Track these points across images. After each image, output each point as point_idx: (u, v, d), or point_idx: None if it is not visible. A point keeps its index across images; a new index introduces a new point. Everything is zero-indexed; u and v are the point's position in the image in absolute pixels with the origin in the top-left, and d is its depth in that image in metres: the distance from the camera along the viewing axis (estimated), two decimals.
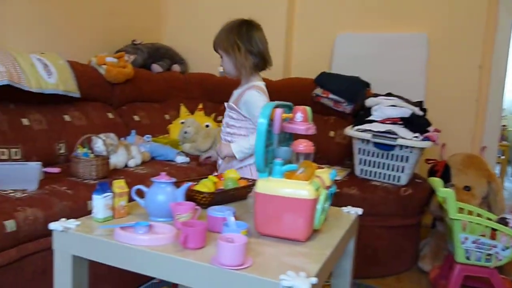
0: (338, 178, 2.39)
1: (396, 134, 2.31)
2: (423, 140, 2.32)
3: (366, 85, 2.95)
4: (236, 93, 1.89)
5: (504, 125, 5.38)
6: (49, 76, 2.28)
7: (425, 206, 2.50)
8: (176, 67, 3.52)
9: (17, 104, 2.21)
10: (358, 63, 3.21)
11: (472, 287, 2.18)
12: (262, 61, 1.86)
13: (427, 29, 3.11)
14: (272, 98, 3.09)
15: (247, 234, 1.11)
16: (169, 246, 1.10)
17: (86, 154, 2.02)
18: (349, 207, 1.54)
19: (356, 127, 2.44)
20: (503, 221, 1.96)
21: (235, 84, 3.29)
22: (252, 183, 1.61)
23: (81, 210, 1.72)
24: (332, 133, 2.90)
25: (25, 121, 2.19)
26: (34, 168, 1.79)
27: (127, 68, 2.87)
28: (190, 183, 1.41)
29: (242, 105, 1.82)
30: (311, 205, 1.14)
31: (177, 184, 1.42)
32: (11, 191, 1.72)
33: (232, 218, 1.16)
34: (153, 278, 2.09)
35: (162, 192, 1.30)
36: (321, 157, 2.43)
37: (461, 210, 2.04)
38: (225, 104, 1.91)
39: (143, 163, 2.43)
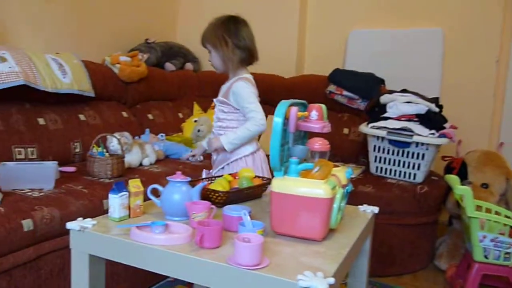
0: (353, 176, 2.37)
1: (411, 131, 2.28)
2: (439, 137, 2.28)
3: (381, 81, 2.92)
4: (224, 87, 1.91)
5: None
6: (64, 76, 2.30)
7: (441, 204, 2.47)
8: (189, 66, 3.52)
9: (33, 104, 2.23)
10: (372, 59, 3.18)
11: (491, 286, 2.14)
12: (249, 56, 1.89)
13: (442, 24, 3.06)
14: (284, 95, 3.08)
15: (263, 234, 1.10)
16: (185, 246, 1.10)
17: (101, 153, 2.03)
18: (365, 205, 1.52)
19: (371, 124, 2.42)
20: None
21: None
22: (267, 182, 1.60)
23: (97, 209, 1.74)
24: (346, 130, 2.87)
25: (41, 121, 2.21)
26: (50, 168, 1.81)
27: (140, 67, 2.88)
28: (205, 182, 1.41)
29: (231, 97, 1.84)
30: (327, 204, 1.13)
31: (192, 183, 1.42)
32: (28, 190, 1.74)
33: (248, 218, 1.15)
34: (167, 277, 2.10)
35: (178, 191, 1.30)
36: (335, 154, 2.41)
37: (478, 208, 2.00)
38: (214, 100, 1.93)
39: (157, 161, 2.44)
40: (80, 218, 1.24)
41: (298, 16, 3.42)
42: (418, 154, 2.32)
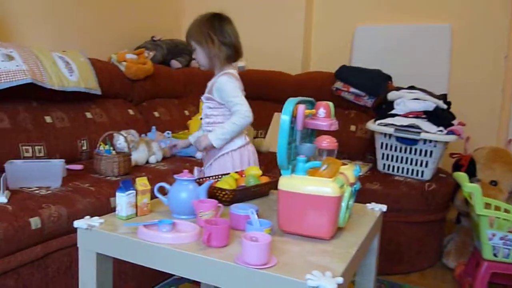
0: (360, 173, 2.36)
1: (419, 128, 2.26)
2: (447, 134, 2.26)
3: (388, 78, 2.90)
4: (209, 83, 1.91)
5: None
6: (70, 74, 2.31)
7: (449, 202, 2.45)
8: (195, 63, 3.50)
9: (40, 102, 2.24)
10: (379, 55, 3.16)
11: (500, 284, 2.12)
12: (234, 52, 1.89)
13: (450, 19, 3.03)
14: (291, 93, 3.08)
15: (270, 232, 1.09)
16: (192, 244, 1.09)
17: (108, 151, 2.03)
18: (373, 203, 1.51)
19: (378, 121, 2.40)
20: None
21: (253, 78, 3.28)
22: (274, 180, 1.60)
23: (104, 207, 1.74)
24: (353, 128, 2.86)
25: (48, 119, 2.22)
26: (57, 166, 1.81)
27: (146, 65, 2.88)
28: (212, 180, 1.41)
29: (215, 93, 1.83)
30: (335, 202, 1.12)
31: (199, 181, 1.42)
32: (36, 188, 1.75)
33: (255, 216, 1.15)
34: (174, 274, 2.10)
35: (185, 189, 1.30)
36: (342, 152, 2.39)
37: (487, 205, 1.98)
38: (202, 97, 1.93)
39: (164, 159, 2.44)
40: (88, 217, 1.24)
41: (304, 12, 3.40)
42: (426, 151, 2.30)
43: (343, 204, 1.16)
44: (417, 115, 2.33)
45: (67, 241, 1.61)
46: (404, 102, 2.38)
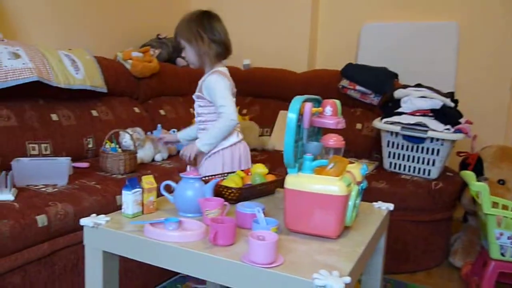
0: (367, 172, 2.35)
1: (426, 127, 2.24)
2: (454, 132, 2.24)
3: (394, 76, 2.88)
4: (200, 82, 1.90)
5: None
6: (76, 72, 2.31)
7: (456, 200, 2.43)
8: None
9: (46, 100, 2.24)
10: (385, 53, 3.14)
11: (507, 284, 2.10)
12: (224, 50, 1.88)
13: (457, 17, 3.00)
14: (296, 90, 3.07)
15: (277, 231, 1.09)
16: (198, 243, 1.09)
17: (114, 149, 2.04)
18: (380, 202, 1.50)
19: (385, 120, 2.39)
20: None
21: (258, 76, 3.27)
22: (280, 178, 1.59)
23: (110, 205, 1.74)
24: (359, 126, 2.84)
25: (54, 117, 2.22)
26: (64, 163, 1.82)
27: (152, 63, 2.88)
28: (218, 179, 1.41)
29: (204, 91, 1.83)
30: (342, 201, 1.11)
31: (205, 180, 1.41)
32: (42, 186, 1.75)
33: (262, 215, 1.14)
34: (179, 273, 2.10)
35: (191, 187, 1.29)
36: (348, 150, 2.37)
37: (495, 204, 1.96)
38: (193, 96, 1.92)
39: (170, 157, 2.44)
40: (94, 214, 1.25)
41: (310, 10, 3.38)
42: (433, 149, 2.28)
43: (350, 203, 1.15)
44: (424, 113, 2.31)
45: (74, 238, 1.61)
46: (411, 100, 2.36)
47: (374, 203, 1.50)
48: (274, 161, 2.49)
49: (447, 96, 2.40)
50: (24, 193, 1.64)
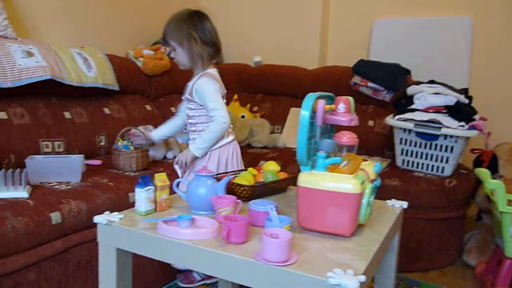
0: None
1: (440, 123, 2.21)
2: (469, 129, 2.21)
3: (407, 72, 2.85)
4: (190, 84, 1.89)
5: None
6: (89, 70, 2.32)
7: (470, 198, 2.40)
8: None
9: (59, 98, 2.26)
10: (397, 49, 3.10)
11: None
12: (215, 51, 1.87)
13: (471, 12, 2.96)
14: (308, 87, 3.06)
15: (290, 229, 1.08)
16: (211, 241, 1.09)
17: (126, 146, 2.04)
18: (393, 200, 1.49)
19: (397, 116, 2.36)
20: None
21: (269, 73, 3.26)
22: (292, 176, 1.58)
23: (123, 202, 1.75)
24: (371, 123, 2.82)
25: (67, 115, 2.24)
26: (77, 161, 1.83)
27: (163, 60, 2.88)
28: (230, 176, 1.40)
29: (195, 94, 1.83)
30: (356, 199, 1.10)
31: (218, 177, 1.41)
32: (56, 183, 1.77)
33: (275, 213, 1.14)
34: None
35: (203, 185, 1.29)
36: (360, 147, 2.34)
37: (510, 202, 1.93)
38: (182, 98, 1.93)
39: None
40: (107, 212, 1.25)
41: (321, 6, 3.35)
42: (446, 146, 2.25)
43: (364, 201, 1.14)
44: (437, 110, 2.28)
45: (87, 235, 1.62)
46: (424, 96, 2.33)
47: (388, 201, 1.48)
48: (285, 158, 2.49)
49: (461, 92, 2.36)
50: (38, 190, 1.66)
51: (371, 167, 1.27)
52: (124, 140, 2.08)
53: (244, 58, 3.55)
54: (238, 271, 1.00)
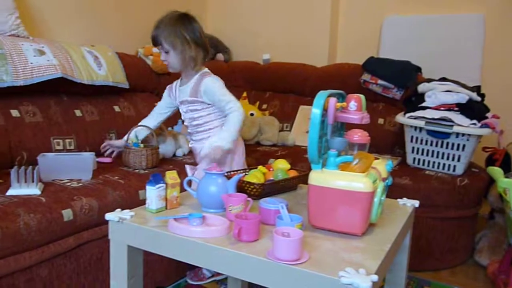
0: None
1: (451, 121, 2.19)
2: (481, 127, 2.18)
3: (417, 70, 2.83)
4: (187, 87, 1.90)
5: None
6: (99, 68, 2.33)
7: (482, 197, 2.37)
8: (220, 56, 3.51)
9: (70, 96, 2.27)
10: (408, 46, 3.08)
11: None
12: (206, 52, 1.90)
13: (483, 9, 2.92)
14: (317, 85, 3.04)
15: (301, 228, 1.08)
16: (222, 239, 1.09)
17: (136, 144, 2.05)
18: (404, 199, 1.48)
19: (408, 114, 2.34)
20: None
21: (279, 71, 3.24)
22: (302, 174, 1.58)
23: (133, 199, 1.76)
24: (381, 121, 2.80)
25: (78, 112, 2.25)
26: (88, 158, 1.84)
27: None
28: (241, 174, 1.40)
29: (203, 95, 1.85)
30: (368, 198, 1.10)
31: (228, 175, 1.41)
32: (67, 180, 1.78)
33: (286, 211, 1.13)
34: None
35: (214, 183, 1.29)
36: (370, 145, 2.34)
37: None
38: (179, 103, 1.95)
39: (190, 152, 2.44)
40: (119, 209, 1.26)
41: (330, 3, 3.34)
42: (458, 145, 2.23)
43: (376, 200, 1.13)
44: (449, 107, 2.26)
45: (98, 232, 1.63)
46: (436, 94, 2.31)
47: (399, 199, 1.47)
48: (295, 156, 2.48)
49: (473, 90, 2.34)
50: (50, 187, 1.67)
51: (382, 165, 1.26)
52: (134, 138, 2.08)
53: (253, 56, 3.54)
54: (249, 269, 1.00)
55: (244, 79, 3.36)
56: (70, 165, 1.80)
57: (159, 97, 2.84)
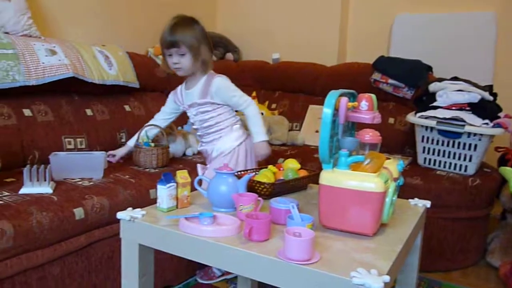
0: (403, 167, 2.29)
1: (463, 121, 2.17)
2: (493, 127, 2.16)
3: (428, 69, 2.80)
4: (195, 90, 1.91)
5: None
6: (110, 67, 2.35)
7: (494, 197, 2.35)
8: (229, 56, 3.52)
9: (81, 95, 2.29)
10: (418, 45, 3.05)
11: None
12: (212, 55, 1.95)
13: (495, 7, 2.89)
14: (327, 84, 3.04)
15: (312, 228, 1.08)
16: (233, 238, 1.09)
17: (147, 143, 2.06)
18: (416, 199, 1.47)
19: (419, 114, 2.32)
20: None
21: (289, 71, 3.23)
22: (313, 174, 1.58)
23: (144, 198, 1.77)
24: (391, 120, 2.78)
25: (88, 112, 2.27)
26: (99, 157, 1.85)
27: None
28: (251, 174, 1.40)
29: (214, 95, 1.87)
30: (380, 198, 1.09)
31: (238, 175, 1.41)
32: (79, 179, 1.79)
33: (297, 211, 1.13)
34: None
35: (224, 182, 1.29)
36: (380, 145, 2.34)
37: None
38: (187, 106, 1.96)
39: (200, 152, 2.45)
40: (130, 208, 1.26)
41: (340, 2, 3.32)
42: (470, 145, 2.20)
43: (387, 200, 1.13)
44: (460, 107, 2.24)
45: (109, 231, 1.65)
46: (447, 93, 2.28)
47: (410, 200, 1.46)
48: (304, 156, 2.47)
49: (486, 89, 2.31)
50: (62, 186, 1.68)
51: (394, 165, 1.25)
52: (145, 137, 2.09)
53: (262, 55, 3.54)
54: (260, 269, 1.00)
55: (253, 79, 3.36)
56: (82, 164, 1.81)
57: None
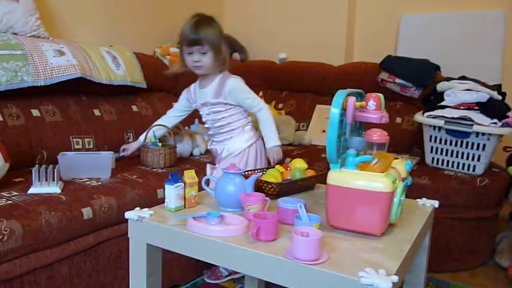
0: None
1: (471, 121, 2.15)
2: (502, 126, 2.14)
3: (436, 68, 2.79)
4: (209, 90, 1.91)
5: None
6: (117, 68, 2.36)
7: (503, 197, 2.33)
8: (236, 56, 3.52)
9: (88, 96, 2.31)
10: (426, 45, 3.03)
11: None
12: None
13: (504, 5, 2.86)
14: (334, 84, 3.03)
15: (320, 228, 1.07)
16: (241, 238, 1.09)
17: (154, 143, 2.07)
18: (424, 199, 1.46)
19: (427, 113, 2.31)
20: None
21: (296, 70, 3.23)
22: (320, 173, 1.57)
23: (151, 198, 1.77)
24: (399, 120, 2.77)
25: (96, 112, 2.28)
26: (107, 157, 1.86)
27: None
28: (259, 174, 1.40)
29: (228, 96, 1.87)
30: (388, 198, 1.08)
31: (246, 175, 1.41)
32: (87, 179, 1.80)
33: (304, 211, 1.13)
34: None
35: (232, 182, 1.30)
36: (388, 144, 2.32)
37: None
38: (200, 105, 1.97)
39: (207, 151, 2.46)
40: (138, 208, 1.27)
41: (347, 1, 3.31)
42: (478, 144, 2.19)
43: (395, 200, 1.12)
44: (469, 106, 2.22)
45: (117, 231, 1.65)
46: (455, 93, 2.27)
47: (418, 199, 1.46)
48: (311, 155, 2.47)
49: (494, 88, 2.29)
50: (70, 186, 1.70)
51: (402, 165, 1.24)
52: (152, 137, 2.10)
53: (269, 55, 3.54)
54: (268, 268, 1.00)
55: (260, 78, 3.36)
56: (89, 164, 1.82)
57: (176, 96, 2.86)
